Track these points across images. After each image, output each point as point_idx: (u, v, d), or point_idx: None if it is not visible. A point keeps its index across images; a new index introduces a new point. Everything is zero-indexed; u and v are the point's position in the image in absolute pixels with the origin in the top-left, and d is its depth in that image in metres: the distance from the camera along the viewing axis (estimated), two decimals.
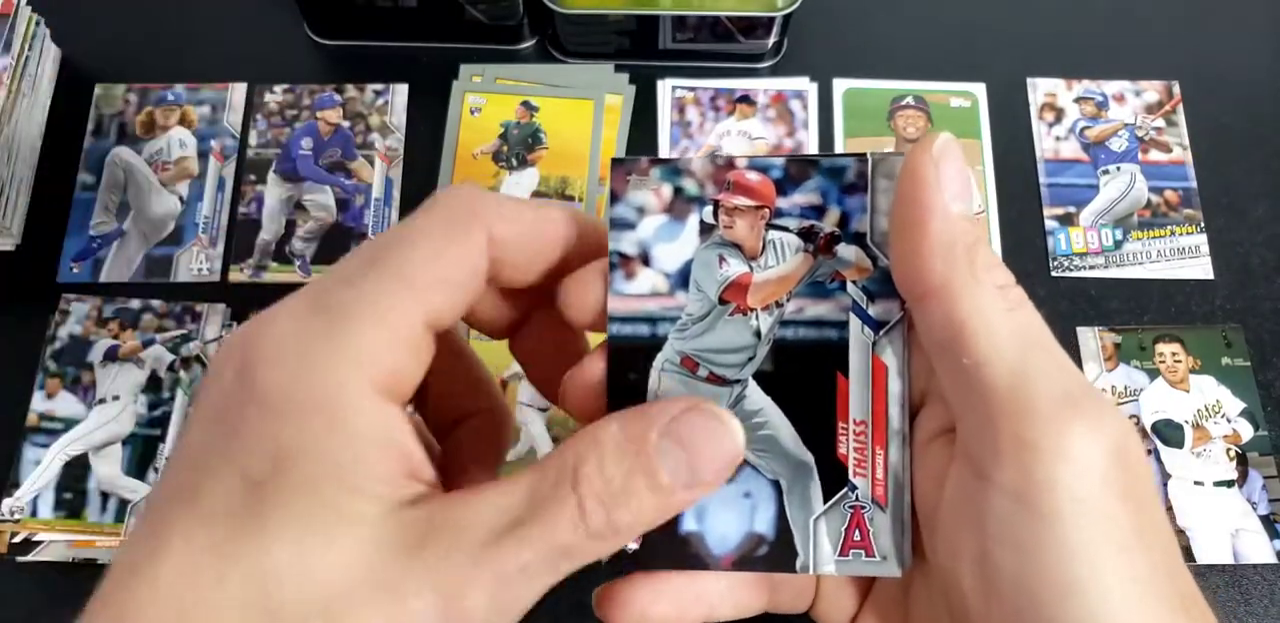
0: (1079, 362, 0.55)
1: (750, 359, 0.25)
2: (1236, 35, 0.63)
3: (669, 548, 0.25)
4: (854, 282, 0.25)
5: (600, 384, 0.25)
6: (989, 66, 0.62)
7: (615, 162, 0.26)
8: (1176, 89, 0.61)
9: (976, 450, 0.23)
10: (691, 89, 0.61)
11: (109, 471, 0.51)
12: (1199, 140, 0.60)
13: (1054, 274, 0.57)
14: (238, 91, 0.61)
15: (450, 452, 0.28)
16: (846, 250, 0.25)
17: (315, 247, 0.57)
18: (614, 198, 0.25)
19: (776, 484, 0.25)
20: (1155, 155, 0.60)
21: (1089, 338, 0.55)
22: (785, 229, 0.25)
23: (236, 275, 0.56)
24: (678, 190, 0.25)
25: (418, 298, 0.22)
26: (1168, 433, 0.53)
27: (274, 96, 0.60)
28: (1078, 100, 0.61)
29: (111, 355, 0.53)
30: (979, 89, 0.61)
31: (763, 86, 0.61)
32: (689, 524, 0.25)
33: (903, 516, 0.25)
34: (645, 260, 0.25)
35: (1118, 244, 0.58)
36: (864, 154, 0.25)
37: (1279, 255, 0.57)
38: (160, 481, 0.24)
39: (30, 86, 0.58)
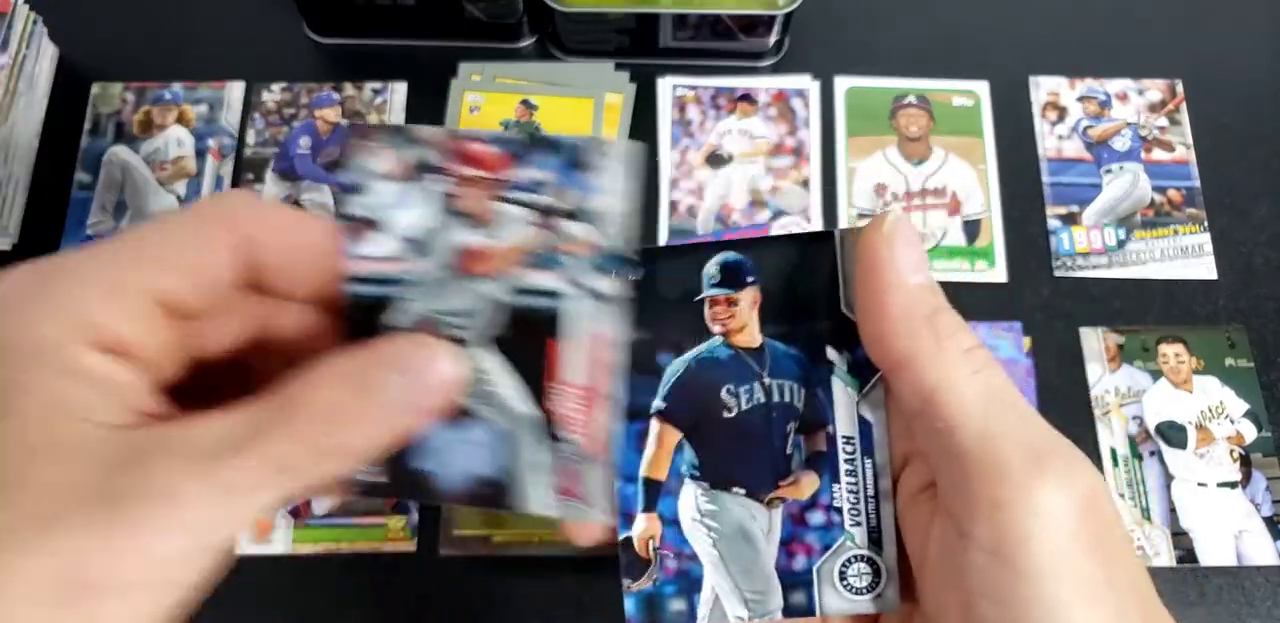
0: (1082, 362, 0.54)
1: (480, 323, 0.26)
2: (1238, 35, 0.63)
3: (407, 482, 0.27)
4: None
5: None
6: (992, 65, 0.61)
7: (352, 128, 0.27)
8: (1179, 88, 0.61)
9: (955, 508, 0.24)
10: (692, 87, 0.61)
11: None
12: (1202, 140, 0.60)
13: (1057, 274, 0.57)
14: (235, 90, 0.60)
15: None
16: (571, 226, 0.26)
17: None
18: (344, 163, 0.27)
19: (502, 434, 0.27)
20: (1158, 155, 0.60)
21: (1092, 338, 0.55)
22: (516, 203, 0.26)
23: None
24: (413, 159, 0.27)
25: (144, 273, 0.23)
26: (1171, 434, 0.53)
27: (272, 95, 0.60)
28: (1080, 99, 0.61)
29: None
30: (982, 88, 0.61)
31: (764, 85, 0.61)
32: (427, 464, 0.27)
33: (613, 470, 0.27)
34: (376, 225, 0.27)
35: (1121, 244, 0.57)
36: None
37: None
38: None
39: (27, 85, 0.58)
